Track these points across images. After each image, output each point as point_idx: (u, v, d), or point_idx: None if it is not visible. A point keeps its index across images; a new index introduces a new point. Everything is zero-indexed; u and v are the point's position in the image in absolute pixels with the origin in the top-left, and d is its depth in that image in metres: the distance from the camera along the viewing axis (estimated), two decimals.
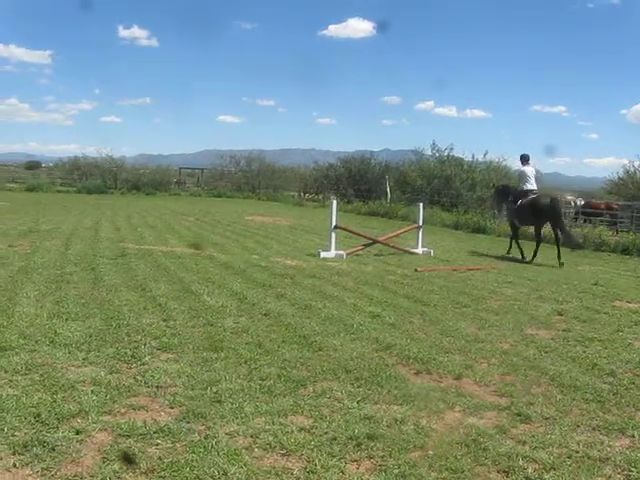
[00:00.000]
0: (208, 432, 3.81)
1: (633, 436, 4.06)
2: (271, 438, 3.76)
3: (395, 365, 5.34)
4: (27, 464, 3.34)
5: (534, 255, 13.46)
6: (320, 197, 38.81)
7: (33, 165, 69.16)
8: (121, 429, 3.79)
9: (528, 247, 13.93)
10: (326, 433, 3.87)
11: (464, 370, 5.25)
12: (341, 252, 12.38)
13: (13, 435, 3.64)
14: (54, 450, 3.49)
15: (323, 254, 12.19)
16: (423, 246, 13.86)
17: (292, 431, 3.87)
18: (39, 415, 3.91)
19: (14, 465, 3.33)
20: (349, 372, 5.05)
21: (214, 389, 4.53)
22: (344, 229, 13.54)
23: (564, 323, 7.25)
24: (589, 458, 3.69)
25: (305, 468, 3.43)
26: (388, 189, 30.55)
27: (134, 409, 4.14)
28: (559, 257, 13.15)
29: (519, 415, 4.32)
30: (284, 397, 4.46)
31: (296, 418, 4.10)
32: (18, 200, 27.52)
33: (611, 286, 10.23)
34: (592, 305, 8.39)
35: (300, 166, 49.65)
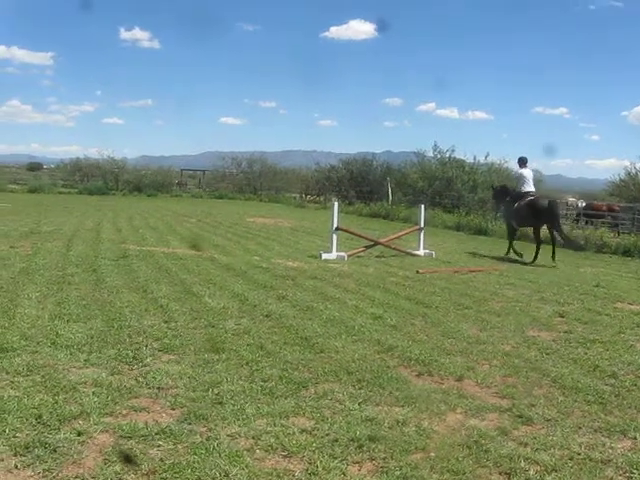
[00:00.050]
0: (210, 434, 3.81)
1: (635, 438, 4.05)
2: (272, 440, 3.75)
3: (397, 367, 5.33)
4: (28, 465, 3.34)
5: (535, 257, 13.50)
6: (321, 199, 38.83)
7: (35, 166, 69.25)
8: (122, 430, 3.79)
9: (529, 249, 13.94)
10: (328, 435, 3.86)
11: (466, 372, 5.25)
12: (342, 254, 12.38)
13: (14, 436, 3.64)
14: (55, 451, 3.49)
15: (324, 256, 12.19)
16: (425, 248, 13.85)
17: (294, 433, 3.87)
18: (40, 416, 3.90)
19: (15, 466, 3.33)
20: (351, 374, 5.05)
21: (215, 391, 4.52)
22: (345, 231, 13.55)
23: (566, 325, 7.24)
24: (591, 460, 3.68)
25: (306, 470, 3.43)
26: (389, 191, 30.56)
27: (135, 410, 4.14)
28: (553, 257, 13.44)
29: (521, 417, 4.32)
30: (286, 399, 4.45)
31: (298, 420, 4.10)
32: (20, 201, 27.57)
33: (613, 288, 10.22)
34: (594, 307, 8.38)
35: (302, 168, 49.68)
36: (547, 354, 5.92)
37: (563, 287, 9.96)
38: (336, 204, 13.31)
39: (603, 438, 4.03)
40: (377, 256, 13.13)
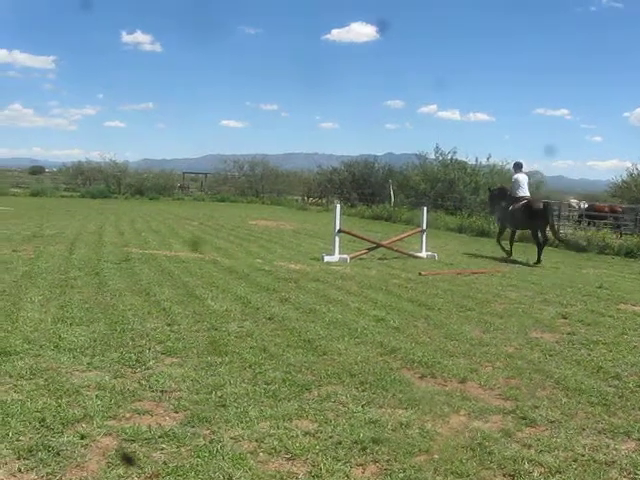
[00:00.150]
0: (213, 436, 3.81)
1: (639, 439, 4.04)
2: (276, 442, 3.75)
3: (400, 369, 5.33)
4: (32, 469, 3.34)
5: (538, 258, 13.59)
6: (324, 201, 38.88)
7: (37, 170, 69.36)
8: (126, 434, 3.79)
9: (531, 251, 13.93)
10: (331, 437, 3.86)
11: (469, 374, 5.24)
12: (345, 256, 12.37)
13: (18, 440, 3.64)
14: (59, 455, 3.49)
15: (327, 258, 12.19)
16: (427, 250, 13.84)
17: (297, 435, 3.87)
18: (44, 420, 3.91)
19: (19, 470, 3.33)
20: (354, 376, 5.04)
21: (219, 393, 4.52)
22: (348, 233, 13.54)
23: (569, 326, 7.23)
24: (595, 461, 3.68)
25: (310, 472, 3.42)
26: (392, 193, 30.55)
27: (139, 413, 4.14)
28: (538, 258, 13.66)
29: (524, 419, 4.31)
30: (289, 401, 4.45)
31: (301, 422, 4.10)
32: (22, 205, 27.62)
33: (615, 289, 10.21)
34: (597, 308, 8.37)
35: (303, 170, 49.74)
36: (550, 356, 5.91)
37: (566, 289, 9.95)
38: (338, 206, 13.30)
39: (607, 439, 4.02)
40: (379, 258, 13.12)
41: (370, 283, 9.72)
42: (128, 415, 4.10)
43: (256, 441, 3.77)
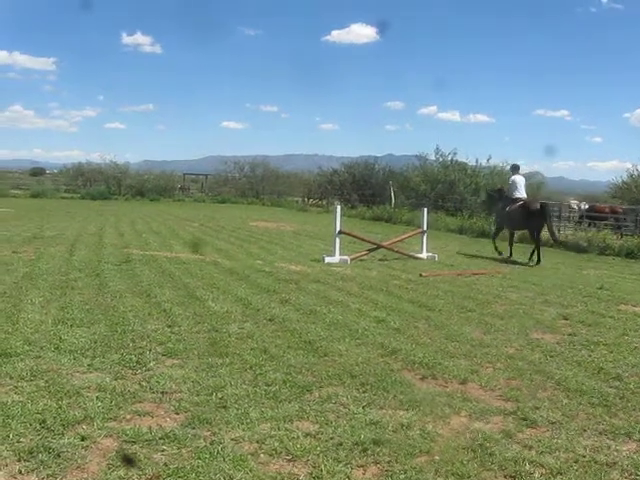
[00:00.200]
0: (214, 438, 3.80)
1: None
2: (277, 444, 3.75)
3: (400, 370, 5.33)
4: (32, 470, 3.34)
5: (538, 259, 13.68)
6: (324, 202, 38.89)
7: (37, 171, 69.40)
8: (126, 435, 3.79)
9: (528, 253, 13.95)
10: (332, 438, 3.86)
11: (470, 375, 5.24)
12: (345, 257, 12.37)
13: (18, 441, 3.64)
14: (59, 456, 3.48)
15: (327, 259, 12.19)
16: (427, 251, 13.85)
17: (298, 437, 3.86)
18: (44, 421, 3.90)
19: (19, 472, 3.32)
20: (354, 377, 5.04)
21: (219, 395, 4.52)
22: (348, 234, 13.54)
23: (569, 327, 7.22)
24: (596, 463, 3.67)
25: (311, 474, 3.42)
26: (392, 194, 30.56)
27: (139, 415, 4.13)
28: (531, 257, 13.93)
29: (525, 420, 4.31)
30: (289, 403, 4.45)
31: (302, 424, 4.09)
32: (22, 206, 27.63)
33: (616, 290, 10.20)
34: (597, 309, 8.36)
35: (304, 171, 49.81)
36: (551, 357, 5.91)
37: (566, 289, 9.95)
38: (339, 208, 13.31)
39: (608, 441, 4.02)
40: (380, 259, 13.12)
41: (371, 284, 9.72)
42: (129, 416, 4.10)
43: (257, 442, 3.77)
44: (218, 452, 3.59)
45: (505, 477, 3.49)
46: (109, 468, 3.39)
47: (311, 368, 5.24)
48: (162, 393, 4.53)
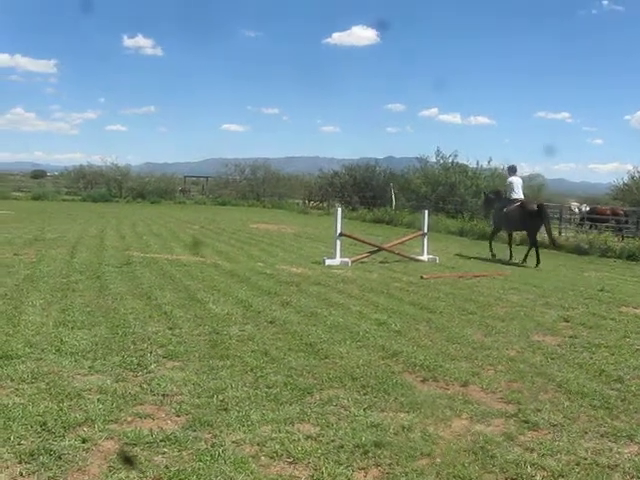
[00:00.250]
0: (214, 440, 3.80)
1: None
2: (278, 446, 3.74)
3: (401, 372, 5.32)
4: (33, 473, 3.34)
5: (537, 261, 13.80)
6: (325, 205, 38.89)
7: (39, 174, 69.55)
8: (127, 437, 3.79)
9: (533, 256, 13.95)
10: (333, 441, 3.85)
11: (471, 377, 5.23)
12: (346, 259, 12.37)
13: (19, 444, 3.64)
14: (60, 459, 3.48)
15: (328, 262, 12.19)
16: (428, 253, 13.85)
17: (299, 439, 3.86)
18: (45, 424, 3.90)
19: (20, 474, 3.32)
20: (355, 380, 5.04)
21: (220, 397, 4.52)
22: (349, 236, 13.55)
23: (570, 329, 7.22)
24: (598, 465, 3.67)
25: (312, 476, 3.42)
26: (393, 196, 30.57)
27: (140, 417, 4.13)
28: (525, 258, 14.12)
29: (526, 422, 4.30)
30: (290, 405, 4.44)
31: (303, 426, 4.09)
32: (24, 209, 27.64)
33: (617, 292, 10.20)
34: (598, 311, 8.35)
35: (304, 174, 49.81)
36: (552, 359, 5.90)
37: (567, 292, 9.94)
38: (339, 210, 13.30)
39: (610, 443, 4.01)
40: (381, 262, 13.12)
41: (371, 286, 9.72)
42: (130, 419, 4.10)
43: (258, 445, 3.77)
44: (219, 454, 3.59)
45: None
46: (110, 470, 3.39)
47: (312, 370, 5.24)
48: (163, 395, 4.53)
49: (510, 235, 15.40)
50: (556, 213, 26.21)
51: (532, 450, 3.85)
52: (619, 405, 4.70)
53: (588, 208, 27.13)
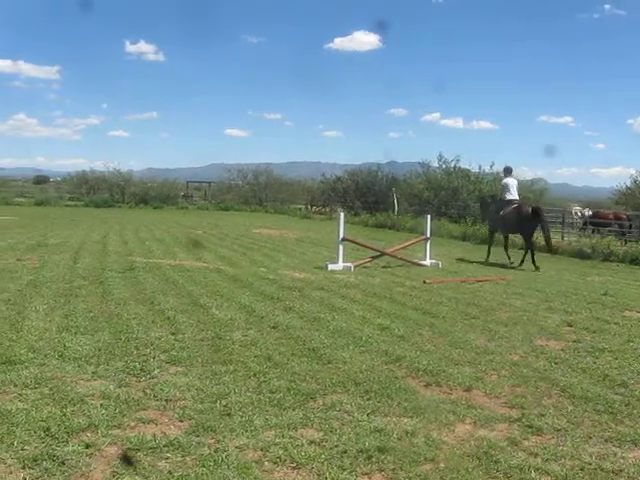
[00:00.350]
0: (218, 445, 3.80)
1: None
2: (281, 451, 3.74)
3: (405, 377, 5.31)
4: (37, 478, 3.34)
5: (534, 264, 13.94)
6: (327, 210, 38.91)
7: (41, 179, 69.63)
8: (131, 443, 3.78)
9: (539, 259, 13.95)
10: (336, 446, 3.85)
11: (474, 382, 5.22)
12: (349, 264, 12.37)
13: (23, 449, 3.64)
14: (64, 464, 3.48)
15: (331, 266, 12.19)
16: (431, 258, 13.84)
17: (302, 444, 3.85)
18: (49, 429, 3.90)
19: (24, 479, 3.32)
20: (359, 385, 5.03)
21: (223, 402, 4.52)
22: (351, 241, 13.55)
23: (574, 334, 7.20)
24: (602, 470, 3.66)
25: None
26: (395, 201, 30.59)
27: (143, 423, 4.13)
28: (522, 261, 14.32)
29: (530, 427, 4.29)
30: (294, 410, 4.44)
31: (306, 431, 4.09)
32: (26, 214, 27.67)
33: (621, 296, 10.18)
34: (602, 316, 8.33)
35: (307, 179, 49.84)
36: (556, 363, 5.89)
37: (571, 296, 9.92)
38: (342, 215, 13.32)
39: (614, 448, 4.00)
40: (383, 266, 13.12)
41: (374, 291, 9.71)
42: (133, 424, 4.10)
43: (261, 450, 3.76)
44: (222, 460, 3.59)
45: None
46: (113, 476, 3.39)
47: (315, 375, 5.23)
48: (166, 401, 4.53)
49: (506, 238, 15.51)
50: (559, 217, 26.22)
51: (536, 455, 3.84)
52: (623, 410, 4.68)
53: (591, 212, 27.12)
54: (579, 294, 10.17)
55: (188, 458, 3.62)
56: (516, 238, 16.66)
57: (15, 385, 4.70)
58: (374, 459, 3.68)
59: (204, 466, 3.51)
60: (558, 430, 4.25)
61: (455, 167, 31.00)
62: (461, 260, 15.49)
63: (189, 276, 10.37)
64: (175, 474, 3.41)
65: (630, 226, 23.57)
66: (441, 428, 4.22)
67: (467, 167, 31.11)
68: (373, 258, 13.37)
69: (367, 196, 35.52)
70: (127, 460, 3.50)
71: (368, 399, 4.72)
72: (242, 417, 4.25)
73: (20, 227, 19.99)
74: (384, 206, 32.12)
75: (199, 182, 57.67)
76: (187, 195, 49.36)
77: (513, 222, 14.55)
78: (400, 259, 13.61)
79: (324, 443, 3.89)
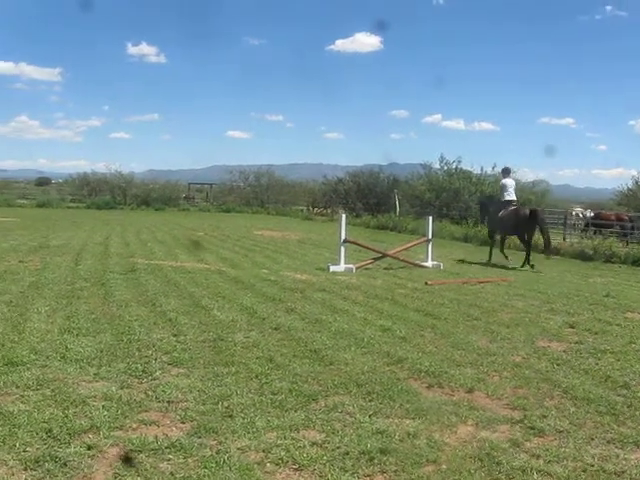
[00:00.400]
0: (220, 447, 3.80)
1: None
2: (283, 453, 3.74)
3: (407, 379, 5.31)
4: None
5: (528, 264, 14.22)
6: (329, 211, 38.96)
7: (43, 181, 69.88)
8: (132, 444, 3.78)
9: (537, 258, 13.95)
10: (338, 448, 3.84)
11: (476, 383, 5.22)
12: (350, 266, 12.36)
13: (25, 451, 3.64)
14: (66, 465, 3.48)
15: (332, 268, 12.18)
16: (433, 259, 13.84)
17: (304, 446, 3.85)
18: (51, 430, 3.90)
19: None
20: (360, 386, 5.02)
21: (225, 404, 4.51)
22: (353, 243, 13.54)
23: (576, 335, 7.19)
24: (604, 472, 3.65)
25: None
26: (397, 203, 30.59)
27: (145, 424, 4.13)
28: (524, 263, 14.46)
29: (532, 428, 4.29)
30: (296, 411, 4.44)
31: (308, 433, 4.08)
32: (28, 216, 27.72)
33: (623, 298, 10.16)
34: (604, 317, 8.32)
35: (308, 180, 49.92)
36: (558, 365, 5.88)
37: (573, 297, 9.91)
38: (344, 216, 13.32)
39: (616, 449, 3.99)
40: (385, 268, 13.11)
41: (376, 293, 9.71)
42: (135, 426, 4.10)
43: (263, 452, 3.76)
44: (224, 461, 3.58)
45: None
46: (115, 477, 3.39)
47: (317, 377, 5.23)
48: (168, 402, 4.53)
49: (503, 239, 15.70)
50: (561, 219, 26.20)
51: (538, 456, 3.83)
52: (625, 411, 4.68)
53: (592, 214, 27.09)
54: (581, 295, 10.16)
55: (190, 459, 3.62)
56: (516, 239, 16.67)
57: (17, 387, 4.70)
58: (376, 461, 3.68)
59: (206, 467, 3.50)
60: (560, 431, 4.24)
61: (457, 168, 31.01)
62: (463, 261, 15.49)
63: (191, 278, 10.37)
64: (177, 475, 3.41)
65: (632, 227, 23.53)
66: (443, 429, 4.21)
67: (469, 168, 31.15)
68: (375, 260, 13.37)
69: (369, 197, 35.55)
70: (129, 461, 3.50)
71: (370, 400, 4.72)
72: (244, 419, 4.24)
73: (22, 229, 20.02)
74: (386, 208, 32.15)
75: (201, 184, 57.77)
76: (189, 197, 49.46)
77: (511, 224, 14.71)
78: (402, 261, 13.60)
79: (326, 445, 3.88)
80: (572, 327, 7.62)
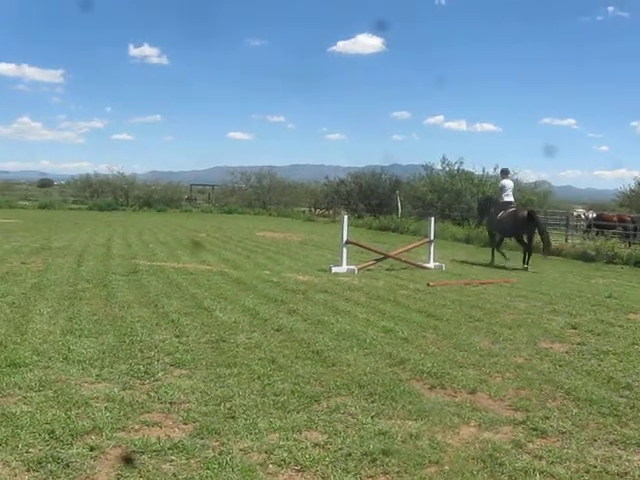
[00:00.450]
0: (222, 448, 3.80)
1: None
2: (285, 454, 3.74)
3: (409, 380, 5.31)
4: None
5: (524, 261, 14.41)
6: (331, 212, 38.94)
7: (45, 183, 70.00)
8: (135, 445, 3.78)
9: (537, 258, 13.93)
10: (341, 449, 3.84)
11: (478, 384, 5.21)
12: (352, 267, 12.36)
13: (27, 452, 3.64)
14: (68, 466, 3.48)
15: (334, 269, 12.18)
16: (435, 260, 13.83)
17: (306, 447, 3.85)
18: (53, 431, 3.91)
19: None
20: (363, 387, 5.02)
21: (228, 405, 4.51)
22: (355, 244, 13.54)
23: (578, 336, 7.18)
24: (607, 473, 3.64)
25: None
26: (399, 204, 30.59)
27: (148, 425, 4.13)
28: (525, 261, 14.59)
29: (535, 429, 4.28)
30: (298, 413, 4.44)
31: (310, 434, 4.08)
32: (30, 218, 27.76)
33: (625, 299, 10.15)
34: (606, 318, 8.31)
35: (310, 182, 49.92)
36: (560, 366, 5.87)
37: (575, 299, 9.89)
38: (345, 217, 13.31)
39: (619, 451, 3.98)
40: (387, 269, 13.11)
41: (378, 294, 9.70)
42: (137, 427, 4.10)
43: (265, 453, 3.76)
44: (227, 462, 3.58)
45: None
46: (118, 478, 3.39)
47: (319, 378, 5.23)
48: (170, 403, 4.53)
49: (501, 240, 15.83)
50: (563, 220, 26.18)
51: (541, 458, 3.83)
52: (628, 412, 4.67)
53: (594, 215, 27.06)
54: (583, 296, 10.14)
55: (192, 461, 3.62)
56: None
57: (19, 388, 4.71)
58: (378, 462, 3.67)
59: (208, 469, 3.51)
60: (563, 433, 4.24)
61: (458, 169, 31.03)
62: (465, 262, 15.49)
63: (193, 279, 10.38)
64: (179, 477, 3.41)
65: (634, 228, 23.49)
66: (445, 431, 4.21)
67: (470, 169, 31.15)
68: (377, 261, 13.37)
69: (371, 199, 35.54)
70: (131, 463, 3.50)
71: (372, 402, 4.71)
72: (246, 420, 4.24)
73: (24, 230, 20.05)
74: (388, 209, 32.14)
75: (203, 185, 57.84)
76: (191, 198, 49.50)
77: (510, 226, 14.77)
78: (404, 262, 13.60)
79: (328, 446, 3.88)
80: (574, 328, 7.61)
